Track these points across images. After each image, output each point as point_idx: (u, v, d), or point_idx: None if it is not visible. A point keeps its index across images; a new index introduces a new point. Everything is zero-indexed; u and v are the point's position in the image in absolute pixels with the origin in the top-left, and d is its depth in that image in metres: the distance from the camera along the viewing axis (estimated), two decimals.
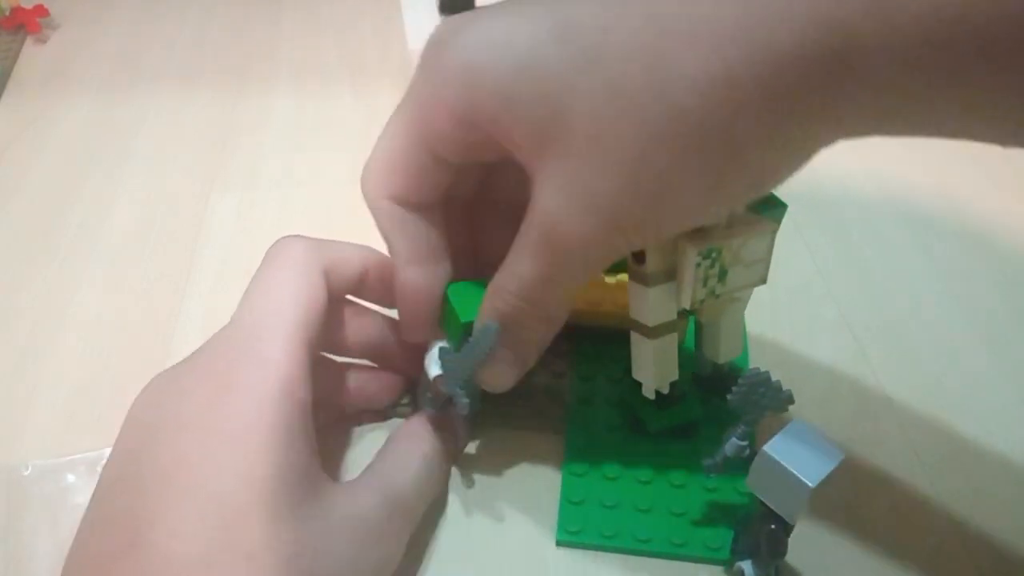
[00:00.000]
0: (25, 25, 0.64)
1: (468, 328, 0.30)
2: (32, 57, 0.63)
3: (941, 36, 0.20)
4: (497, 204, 0.32)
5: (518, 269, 0.27)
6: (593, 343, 0.38)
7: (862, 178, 0.49)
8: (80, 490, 0.32)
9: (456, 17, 0.27)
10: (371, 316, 0.35)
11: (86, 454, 0.34)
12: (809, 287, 0.43)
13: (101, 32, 0.65)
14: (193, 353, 0.28)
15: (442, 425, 0.33)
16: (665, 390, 0.33)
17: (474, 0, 0.60)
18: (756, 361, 0.39)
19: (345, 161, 0.49)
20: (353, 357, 0.35)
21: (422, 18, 0.61)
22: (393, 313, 0.34)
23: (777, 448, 0.26)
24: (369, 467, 0.30)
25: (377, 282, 0.33)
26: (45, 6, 0.65)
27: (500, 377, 0.30)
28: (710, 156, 0.23)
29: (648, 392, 0.33)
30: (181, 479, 0.24)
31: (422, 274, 0.31)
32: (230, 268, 0.45)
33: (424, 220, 0.30)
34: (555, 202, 0.25)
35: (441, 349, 0.32)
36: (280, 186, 0.50)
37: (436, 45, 0.27)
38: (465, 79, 0.25)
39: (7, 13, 0.63)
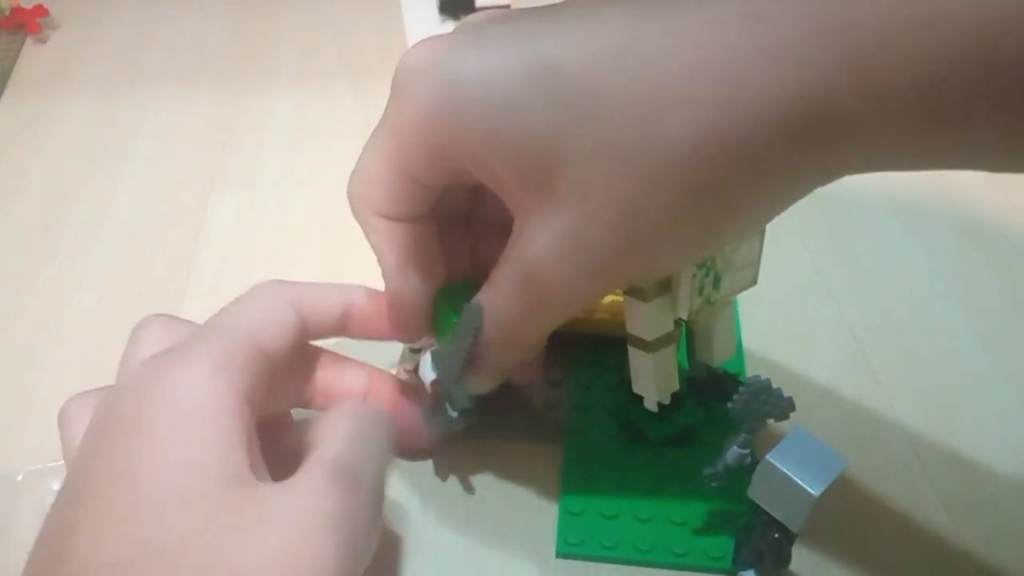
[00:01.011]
0: (25, 25, 0.63)
1: None
2: (32, 57, 0.62)
3: (932, 97, 0.19)
4: (491, 213, 0.32)
5: (496, 303, 0.27)
6: (589, 351, 0.37)
7: (862, 178, 0.48)
8: None
9: (429, 42, 0.26)
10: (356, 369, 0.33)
11: None
12: (809, 287, 0.42)
13: (101, 32, 0.65)
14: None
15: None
16: (667, 401, 0.32)
17: (474, 1, 0.59)
18: (754, 362, 0.38)
19: (345, 161, 0.48)
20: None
21: (422, 18, 0.61)
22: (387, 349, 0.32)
23: (780, 456, 0.25)
24: (309, 445, 0.26)
25: (367, 316, 0.32)
26: (45, 6, 0.64)
27: (476, 386, 0.30)
28: (701, 208, 0.23)
29: (650, 405, 0.32)
30: (107, 486, 0.22)
31: (411, 284, 0.30)
32: (230, 268, 0.44)
33: (412, 231, 0.29)
34: (539, 245, 0.24)
35: (432, 352, 0.31)
36: (280, 186, 0.49)
37: (411, 73, 0.25)
38: (444, 114, 0.24)
39: (7, 13, 0.63)
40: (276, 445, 0.27)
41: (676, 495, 0.32)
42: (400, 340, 0.32)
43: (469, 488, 0.34)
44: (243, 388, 0.25)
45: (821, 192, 0.46)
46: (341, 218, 0.42)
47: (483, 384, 0.30)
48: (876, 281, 0.43)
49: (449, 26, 0.59)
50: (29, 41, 0.63)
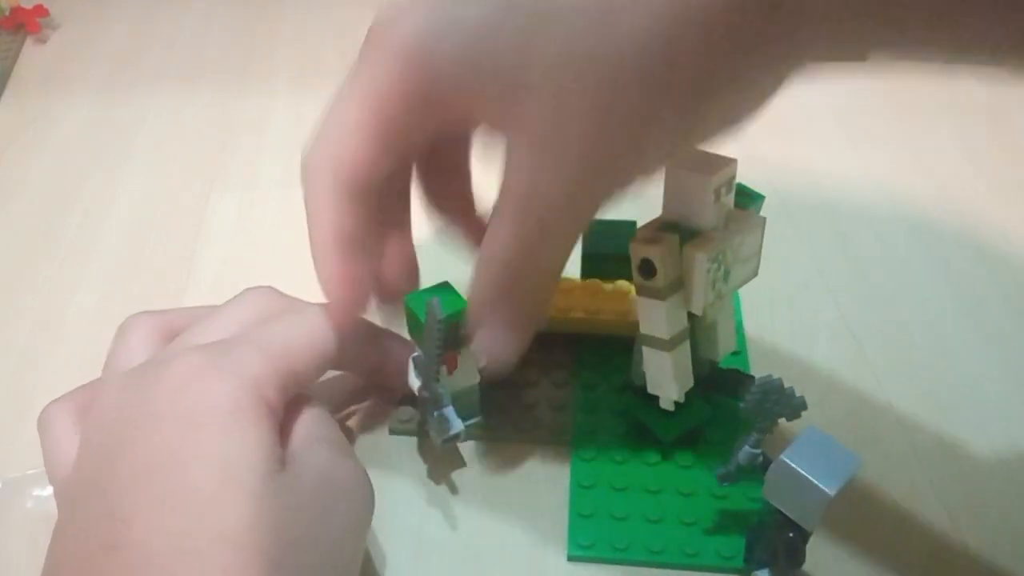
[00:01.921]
0: (25, 25, 0.63)
1: None
2: (32, 57, 0.61)
3: None
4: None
5: (504, 237, 0.27)
6: (593, 352, 0.37)
7: (862, 178, 0.48)
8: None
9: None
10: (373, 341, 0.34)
11: None
12: (809, 287, 0.42)
13: (101, 32, 0.64)
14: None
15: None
16: (682, 399, 0.32)
17: None
18: (755, 362, 0.38)
19: None
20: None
21: None
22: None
23: (795, 456, 0.24)
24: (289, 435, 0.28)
25: (398, 370, 0.33)
26: (45, 6, 0.64)
27: (505, 345, 0.29)
28: (675, 98, 0.23)
29: (667, 404, 0.32)
30: (155, 474, 0.24)
31: (359, 260, 0.29)
32: (230, 268, 0.44)
33: (368, 203, 0.28)
34: (531, 158, 0.25)
35: (414, 358, 0.31)
36: (280, 186, 0.49)
37: (382, 25, 0.26)
38: (420, 57, 0.25)
39: (7, 13, 0.62)
40: None
41: (685, 494, 0.32)
42: (338, 329, 0.31)
43: (476, 490, 0.33)
44: (273, 403, 0.26)
45: (821, 193, 0.46)
46: None
47: (510, 344, 0.29)
48: (876, 281, 0.42)
49: None
50: (29, 41, 0.62)
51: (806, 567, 0.29)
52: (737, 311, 0.39)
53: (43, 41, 0.63)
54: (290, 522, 0.24)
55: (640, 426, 0.33)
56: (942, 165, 0.49)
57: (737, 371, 0.34)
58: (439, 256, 0.32)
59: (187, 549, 0.22)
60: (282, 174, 0.50)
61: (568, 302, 0.36)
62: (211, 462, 0.24)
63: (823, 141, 0.51)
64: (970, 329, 0.40)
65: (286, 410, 0.28)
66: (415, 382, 0.31)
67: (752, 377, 0.32)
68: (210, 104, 0.56)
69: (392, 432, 0.35)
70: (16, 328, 0.40)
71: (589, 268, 0.37)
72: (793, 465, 0.24)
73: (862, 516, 0.32)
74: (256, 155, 0.51)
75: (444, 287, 0.31)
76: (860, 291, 0.42)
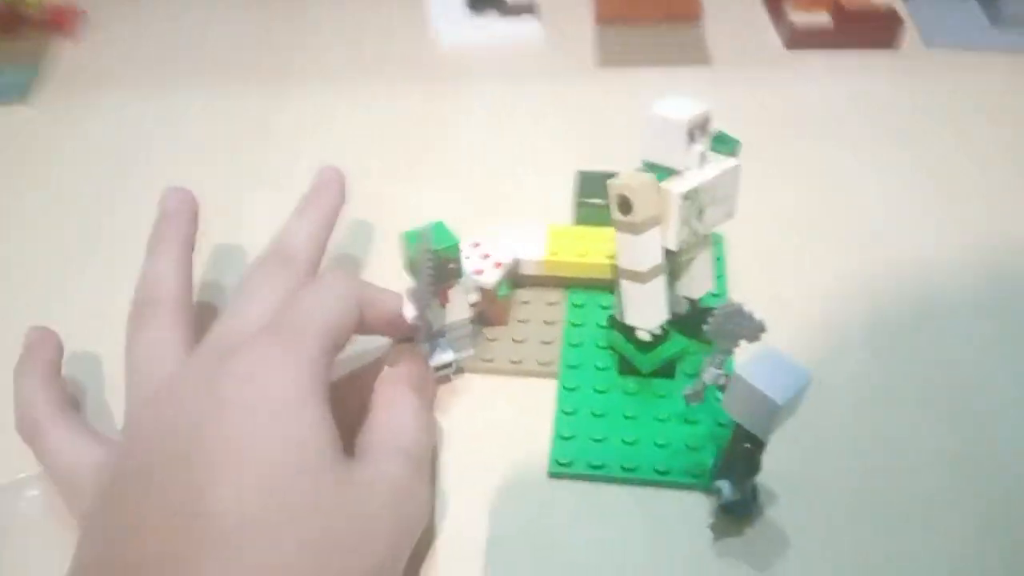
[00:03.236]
0: (59, 24, 0.60)
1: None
2: (65, 56, 0.59)
3: None
4: None
5: None
6: (582, 293, 0.39)
7: (862, 179, 0.47)
8: (44, 503, 0.32)
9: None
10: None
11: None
12: (811, 287, 0.41)
13: (134, 31, 0.62)
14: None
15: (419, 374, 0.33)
16: (659, 331, 0.33)
17: None
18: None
19: (378, 161, 0.48)
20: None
21: (452, 18, 0.60)
22: None
23: (748, 370, 0.26)
24: (371, 429, 0.30)
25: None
26: (78, 6, 0.62)
27: None
28: None
29: (644, 335, 0.33)
30: (231, 452, 0.25)
31: None
32: None
33: None
34: None
35: (407, 290, 0.33)
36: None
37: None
38: None
39: (38, 12, 0.60)
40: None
41: (660, 420, 0.33)
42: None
43: (468, 417, 0.35)
44: (326, 381, 0.28)
45: (821, 193, 0.46)
46: (374, 216, 0.44)
47: None
48: (878, 282, 0.41)
49: (477, 21, 0.59)
50: (62, 40, 0.60)
51: (809, 565, 0.29)
52: (720, 261, 0.40)
53: (77, 40, 0.61)
54: (355, 517, 0.25)
55: (622, 359, 0.35)
56: (943, 164, 0.48)
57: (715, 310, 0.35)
58: None
59: (263, 522, 0.24)
60: (314, 171, 0.48)
61: (561, 245, 0.38)
62: (280, 443, 0.25)
63: (852, 132, 0.50)
64: (976, 329, 0.38)
65: (373, 406, 0.31)
66: (410, 312, 0.33)
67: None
68: (244, 103, 0.54)
69: None
70: (58, 326, 0.37)
71: (582, 215, 0.40)
72: (746, 378, 0.26)
73: (865, 515, 0.31)
74: (290, 155, 0.50)
75: (437, 225, 0.33)
76: (864, 291, 0.40)
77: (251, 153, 0.50)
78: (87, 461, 0.29)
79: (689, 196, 0.30)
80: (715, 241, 0.41)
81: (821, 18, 0.56)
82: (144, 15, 0.64)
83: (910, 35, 0.58)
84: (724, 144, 0.33)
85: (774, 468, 0.30)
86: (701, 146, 0.31)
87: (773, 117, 0.51)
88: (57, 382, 0.32)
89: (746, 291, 0.39)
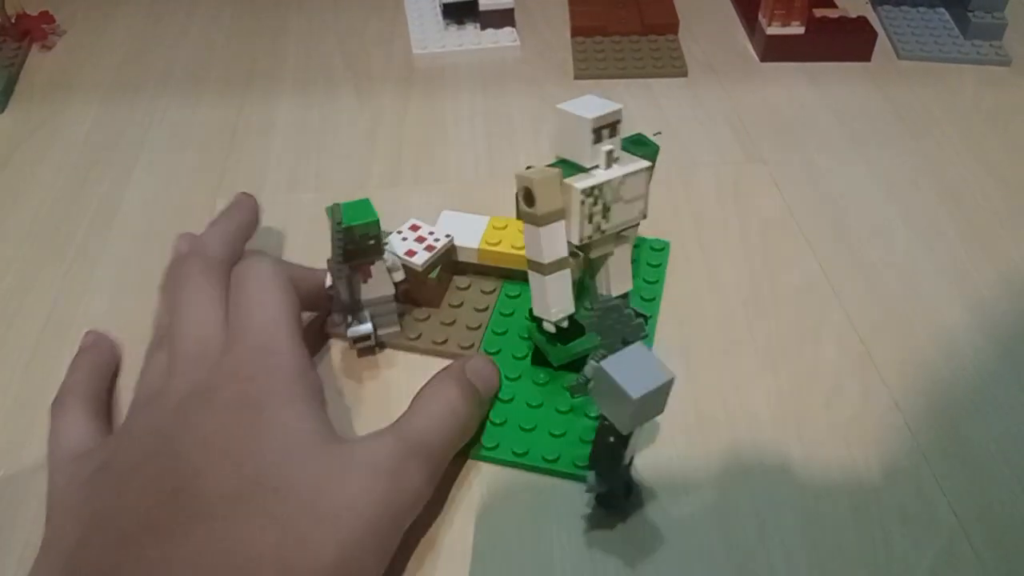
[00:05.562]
0: (31, 32, 0.60)
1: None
2: (38, 64, 0.58)
3: None
4: None
5: None
6: (516, 285, 0.39)
7: (863, 179, 0.47)
8: None
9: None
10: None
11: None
12: (813, 288, 0.40)
13: (106, 38, 0.61)
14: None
15: (477, 371, 0.33)
16: (564, 324, 0.33)
17: (478, 3, 0.59)
18: (758, 358, 0.37)
19: (349, 166, 0.49)
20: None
21: (426, 23, 0.60)
22: None
23: (611, 364, 0.26)
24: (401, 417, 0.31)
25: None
26: (51, 13, 0.61)
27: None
28: None
29: (548, 327, 0.33)
30: (233, 443, 0.27)
31: None
32: None
33: None
34: None
35: (327, 260, 0.34)
36: (285, 191, 0.47)
37: None
38: None
39: (10, 22, 0.59)
40: None
41: (560, 411, 0.33)
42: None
43: (384, 389, 0.35)
44: (316, 379, 0.31)
45: (822, 193, 0.45)
46: None
47: None
48: (880, 282, 0.41)
49: (452, 31, 0.59)
50: (35, 48, 0.60)
51: (810, 565, 0.29)
52: (661, 267, 0.40)
53: (49, 48, 0.60)
54: (336, 490, 0.26)
55: (536, 350, 0.35)
56: (946, 165, 0.48)
57: (635, 311, 0.35)
58: None
59: (243, 496, 0.25)
60: (287, 179, 0.48)
61: (499, 237, 0.38)
62: (280, 429, 0.27)
63: (827, 142, 0.50)
64: (978, 329, 0.38)
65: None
66: (328, 282, 0.33)
67: (645, 316, 0.33)
68: (216, 108, 0.54)
69: (329, 334, 0.38)
70: (26, 331, 0.39)
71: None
72: (608, 371, 0.25)
73: (866, 515, 0.31)
74: (262, 161, 0.49)
75: (360, 202, 0.33)
76: (864, 292, 0.40)
77: (224, 159, 0.50)
78: (79, 448, 0.30)
79: (589, 192, 0.30)
80: (659, 247, 0.41)
81: (796, 30, 0.55)
82: (116, 22, 0.63)
83: (883, 46, 0.57)
84: (641, 147, 0.33)
85: (665, 467, 0.29)
86: (610, 145, 0.31)
87: (748, 127, 0.51)
88: (95, 380, 0.35)
89: (688, 295, 0.39)
